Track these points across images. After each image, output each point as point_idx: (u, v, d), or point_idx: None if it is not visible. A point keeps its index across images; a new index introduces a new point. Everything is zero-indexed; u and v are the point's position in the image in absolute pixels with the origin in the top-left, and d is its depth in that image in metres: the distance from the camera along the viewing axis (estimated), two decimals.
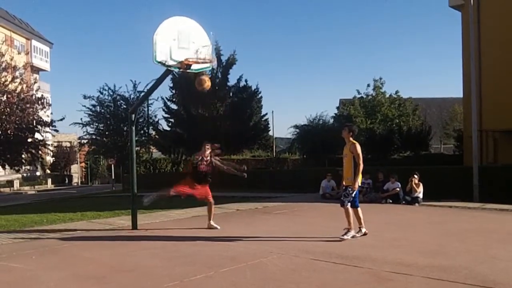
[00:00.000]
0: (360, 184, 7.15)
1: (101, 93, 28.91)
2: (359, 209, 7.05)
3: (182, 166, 30.50)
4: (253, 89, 33.16)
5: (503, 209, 10.72)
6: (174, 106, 33.17)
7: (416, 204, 12.04)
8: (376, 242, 6.69)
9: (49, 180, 49.92)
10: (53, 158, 56.52)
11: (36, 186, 44.69)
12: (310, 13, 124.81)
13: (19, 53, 41.18)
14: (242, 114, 31.39)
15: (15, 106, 22.98)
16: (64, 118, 26.58)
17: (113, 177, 39.83)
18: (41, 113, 25.26)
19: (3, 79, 23.64)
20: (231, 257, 5.83)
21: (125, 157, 26.34)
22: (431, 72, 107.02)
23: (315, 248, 6.25)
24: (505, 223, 8.97)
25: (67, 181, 57.28)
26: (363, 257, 5.65)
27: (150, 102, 29.67)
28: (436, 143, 38.24)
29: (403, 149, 26.30)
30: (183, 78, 27.28)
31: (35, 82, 27.42)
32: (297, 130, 29.60)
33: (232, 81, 32.26)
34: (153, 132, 32.36)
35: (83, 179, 70.59)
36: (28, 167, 40.85)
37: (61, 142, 58.54)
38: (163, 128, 32.88)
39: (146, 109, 29.67)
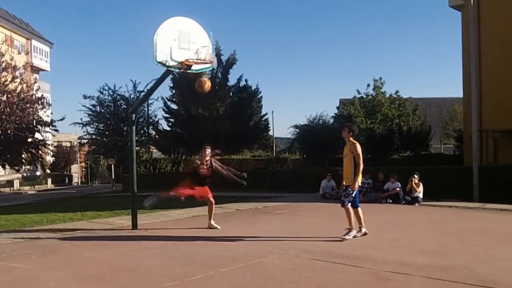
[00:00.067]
0: (360, 184, 7.15)
1: (101, 93, 28.88)
2: (359, 209, 7.05)
3: (182, 166, 30.51)
4: (253, 89, 33.19)
5: (503, 209, 10.72)
6: (174, 106, 33.19)
7: (416, 204, 12.04)
8: (376, 242, 6.69)
9: (49, 180, 49.94)
10: (53, 158, 56.57)
11: (36, 186, 44.71)
12: (310, 13, 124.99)
13: (19, 53, 41.27)
14: (242, 114, 31.39)
15: (15, 106, 22.96)
16: (64, 118, 26.60)
17: (113, 177, 39.84)
18: (41, 113, 25.24)
19: (3, 79, 23.63)
20: (231, 257, 5.83)
21: (125, 157, 26.31)
22: (431, 72, 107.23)
23: (315, 248, 6.26)
24: (505, 223, 8.97)
25: (67, 181, 57.31)
26: (363, 257, 5.66)
27: (150, 102, 29.63)
28: (436, 143, 38.25)
29: (403, 149, 26.30)
30: (183, 78, 27.27)
31: (35, 82, 27.43)
32: (297, 130, 29.63)
33: (232, 81, 32.29)
34: (153, 132, 32.34)
35: (83, 179, 70.62)
36: (28, 167, 40.88)
37: (61, 142, 58.57)
38: (163, 128, 32.91)
39: (146, 109, 29.63)
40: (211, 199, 8.31)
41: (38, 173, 48.62)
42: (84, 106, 28.76)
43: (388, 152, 25.96)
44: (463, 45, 19.27)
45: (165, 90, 54.57)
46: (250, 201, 13.40)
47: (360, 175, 6.98)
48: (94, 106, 28.83)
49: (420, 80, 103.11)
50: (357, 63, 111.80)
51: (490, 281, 4.52)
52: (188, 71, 7.70)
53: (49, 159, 53.16)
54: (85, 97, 28.51)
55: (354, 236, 6.90)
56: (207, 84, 7.71)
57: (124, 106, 28.42)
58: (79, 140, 39.65)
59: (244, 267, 5.26)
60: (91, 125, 29.34)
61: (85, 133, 30.46)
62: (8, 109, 22.73)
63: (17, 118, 22.77)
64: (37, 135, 25.40)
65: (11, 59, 25.36)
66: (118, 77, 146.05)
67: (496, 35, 18.21)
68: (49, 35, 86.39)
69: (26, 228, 8.97)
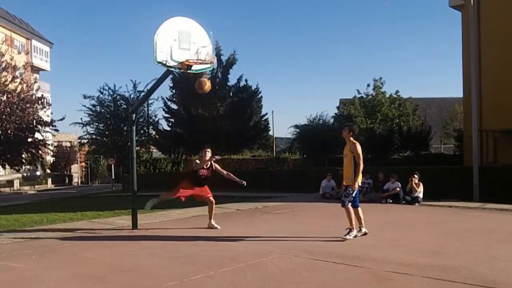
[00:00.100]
0: (360, 184, 7.15)
1: (101, 93, 28.89)
2: (359, 209, 7.05)
3: (182, 166, 30.51)
4: (253, 89, 33.23)
5: (503, 209, 10.72)
6: (174, 106, 33.22)
7: (416, 204, 12.04)
8: (376, 242, 6.69)
9: (49, 180, 49.95)
10: (53, 158, 56.56)
11: (36, 186, 44.72)
12: (310, 13, 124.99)
13: (19, 53, 41.32)
14: (242, 114, 31.42)
15: (15, 106, 22.97)
16: (64, 118, 26.61)
17: (113, 177, 39.83)
18: (41, 113, 25.25)
19: (3, 79, 23.64)
20: (231, 257, 5.83)
21: (125, 157, 26.32)
22: (431, 72, 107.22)
23: (315, 248, 6.26)
24: (505, 223, 8.97)
25: (67, 181, 57.33)
26: (363, 257, 5.66)
27: (150, 102, 29.64)
28: (436, 143, 38.25)
29: (403, 149, 26.32)
30: (183, 78, 27.29)
31: (35, 82, 27.43)
32: (297, 130, 29.64)
33: (232, 81, 32.34)
34: (153, 132, 32.35)
35: (83, 179, 70.63)
36: (28, 167, 40.91)
37: (61, 142, 58.58)
38: (163, 128, 32.95)
39: (146, 109, 29.65)
40: (211, 199, 8.32)
41: (38, 173, 48.65)
42: (84, 106, 28.81)
43: (388, 152, 25.97)
44: (463, 45, 19.26)
45: (165, 90, 54.69)
46: (250, 201, 13.40)
47: (360, 175, 6.98)
48: (94, 106, 28.86)
49: (420, 80, 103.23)
50: (357, 63, 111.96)
51: (490, 281, 4.52)
52: (189, 71, 7.70)
53: (49, 159, 53.17)
54: (85, 97, 28.56)
55: (355, 236, 6.90)
56: (207, 85, 7.71)
57: (124, 106, 28.42)
58: (79, 140, 39.66)
59: (244, 267, 5.26)
60: (91, 125, 29.39)
61: (85, 133, 30.52)
62: (8, 109, 22.73)
63: (17, 118, 22.77)
64: (37, 135, 25.41)
65: (11, 59, 25.38)
66: (118, 77, 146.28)
67: (496, 35, 18.21)
68: (49, 35, 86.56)
69: (26, 228, 8.96)
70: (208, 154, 8.19)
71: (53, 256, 6.20)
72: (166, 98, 32.85)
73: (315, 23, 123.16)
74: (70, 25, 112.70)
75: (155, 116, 31.53)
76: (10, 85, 23.68)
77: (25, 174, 45.25)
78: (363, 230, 7.07)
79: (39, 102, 24.66)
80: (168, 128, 33.34)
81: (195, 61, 7.51)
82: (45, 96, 30.57)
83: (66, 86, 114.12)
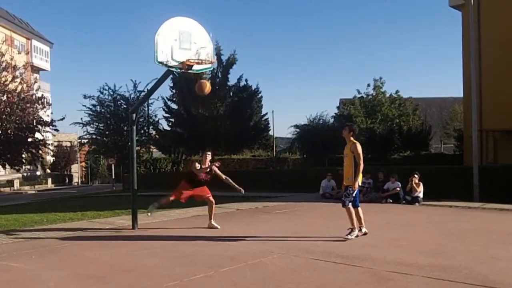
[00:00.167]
0: (360, 184, 7.15)
1: (101, 93, 28.89)
2: (359, 208, 7.05)
3: (182, 165, 30.52)
4: (253, 88, 33.22)
5: (503, 209, 10.72)
6: (174, 106, 33.21)
7: (416, 203, 12.04)
8: (376, 241, 6.69)
9: (49, 180, 49.96)
10: (54, 158, 56.59)
11: (36, 186, 44.74)
12: (310, 13, 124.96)
13: (19, 52, 41.30)
14: (242, 114, 31.41)
15: (15, 106, 22.96)
16: (64, 118, 26.60)
17: (113, 177, 39.86)
18: (41, 112, 25.25)
19: (3, 79, 23.63)
20: (231, 256, 5.83)
21: (125, 156, 26.32)
22: (431, 72, 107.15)
23: (315, 248, 6.26)
24: (505, 223, 8.97)
25: (67, 181, 57.35)
26: (363, 256, 5.66)
27: (150, 101, 29.63)
28: (436, 143, 38.24)
29: (403, 149, 26.31)
30: (183, 78, 27.30)
31: (35, 82, 27.42)
32: (297, 129, 29.62)
33: (232, 80, 32.32)
34: (153, 132, 32.35)
35: (83, 179, 70.63)
36: (28, 166, 40.91)
37: (61, 141, 58.61)
38: (163, 128, 32.94)
39: (146, 109, 29.65)
40: (211, 198, 8.35)
41: (38, 173, 48.66)
42: (84, 106, 28.82)
43: (388, 152, 25.96)
44: (463, 45, 19.25)
45: (165, 90, 54.77)
46: (250, 201, 13.40)
47: (361, 175, 6.98)
48: (94, 106, 28.87)
49: (420, 80, 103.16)
50: (357, 63, 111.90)
51: (490, 281, 4.52)
52: (189, 71, 7.70)
53: (49, 159, 53.18)
54: (85, 97, 28.56)
55: (357, 236, 6.90)
56: (208, 88, 7.73)
57: (124, 106, 28.43)
58: (79, 140, 39.68)
59: (244, 267, 5.26)
60: (91, 125, 29.39)
61: (85, 133, 30.52)
62: (8, 109, 22.73)
63: (17, 118, 22.77)
64: (37, 135, 25.41)
65: (11, 59, 25.36)
66: (118, 77, 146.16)
67: (496, 35, 18.20)
68: (49, 35, 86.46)
69: (26, 228, 8.97)
70: (209, 157, 8.25)
71: (53, 256, 6.20)
72: (166, 98, 32.89)
73: (315, 23, 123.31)
74: (70, 25, 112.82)
75: (155, 116, 31.59)
76: (10, 85, 23.67)
77: (25, 174, 45.27)
78: (363, 230, 7.07)
79: (39, 102, 24.66)
80: (168, 128, 33.35)
81: (196, 61, 7.51)
82: (45, 96, 30.55)
83: (66, 86, 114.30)
